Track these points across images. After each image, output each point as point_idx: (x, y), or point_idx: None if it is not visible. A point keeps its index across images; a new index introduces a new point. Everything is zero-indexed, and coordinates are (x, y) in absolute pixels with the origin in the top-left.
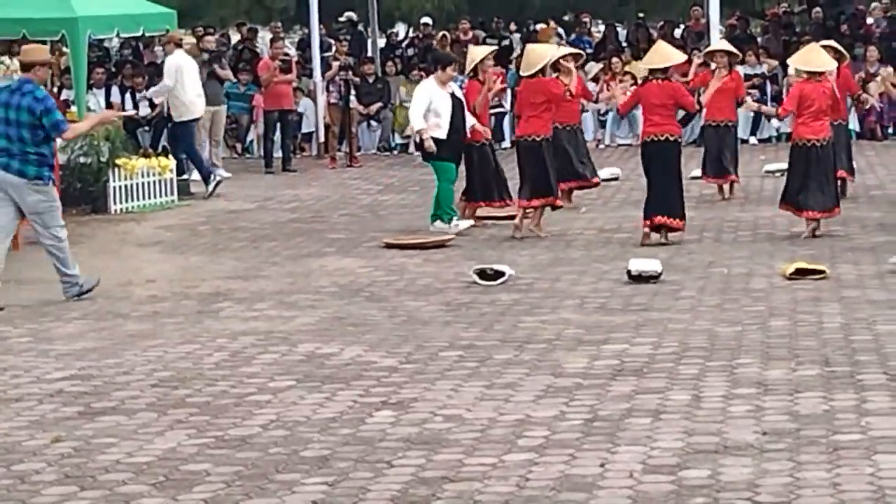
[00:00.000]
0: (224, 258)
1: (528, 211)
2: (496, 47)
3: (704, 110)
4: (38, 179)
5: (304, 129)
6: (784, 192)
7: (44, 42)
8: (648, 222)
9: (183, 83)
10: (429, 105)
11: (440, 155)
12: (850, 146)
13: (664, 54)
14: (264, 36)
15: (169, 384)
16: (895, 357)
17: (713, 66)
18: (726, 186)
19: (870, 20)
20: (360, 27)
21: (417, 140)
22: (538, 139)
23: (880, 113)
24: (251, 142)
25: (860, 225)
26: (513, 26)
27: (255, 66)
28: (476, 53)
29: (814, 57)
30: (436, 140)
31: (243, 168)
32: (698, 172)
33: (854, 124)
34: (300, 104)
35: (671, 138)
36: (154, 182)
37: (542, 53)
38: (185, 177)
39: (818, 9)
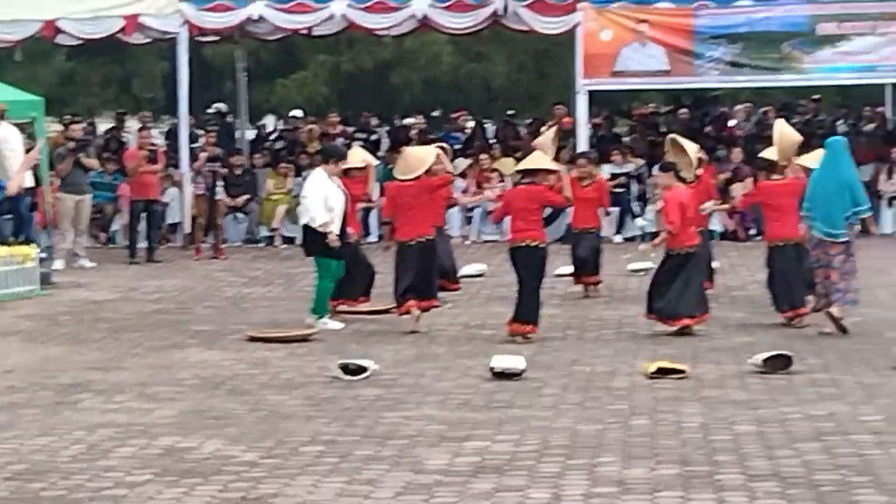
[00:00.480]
0: (85, 349)
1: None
2: (376, 163)
3: (571, 216)
4: None
5: (170, 220)
6: (653, 301)
7: None
8: (514, 326)
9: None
10: (325, 199)
11: (323, 251)
12: (709, 253)
13: (534, 159)
14: (132, 126)
15: (24, 477)
16: (754, 457)
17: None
18: (591, 287)
19: (733, 122)
20: (230, 118)
21: (311, 228)
22: (430, 239)
23: (742, 214)
24: (116, 231)
25: (722, 325)
26: (374, 121)
27: (121, 156)
28: (354, 159)
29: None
30: (323, 234)
31: (107, 258)
32: (563, 270)
33: (717, 225)
34: (166, 194)
35: (532, 244)
36: (15, 271)
37: (422, 158)
38: (45, 261)
39: (684, 110)
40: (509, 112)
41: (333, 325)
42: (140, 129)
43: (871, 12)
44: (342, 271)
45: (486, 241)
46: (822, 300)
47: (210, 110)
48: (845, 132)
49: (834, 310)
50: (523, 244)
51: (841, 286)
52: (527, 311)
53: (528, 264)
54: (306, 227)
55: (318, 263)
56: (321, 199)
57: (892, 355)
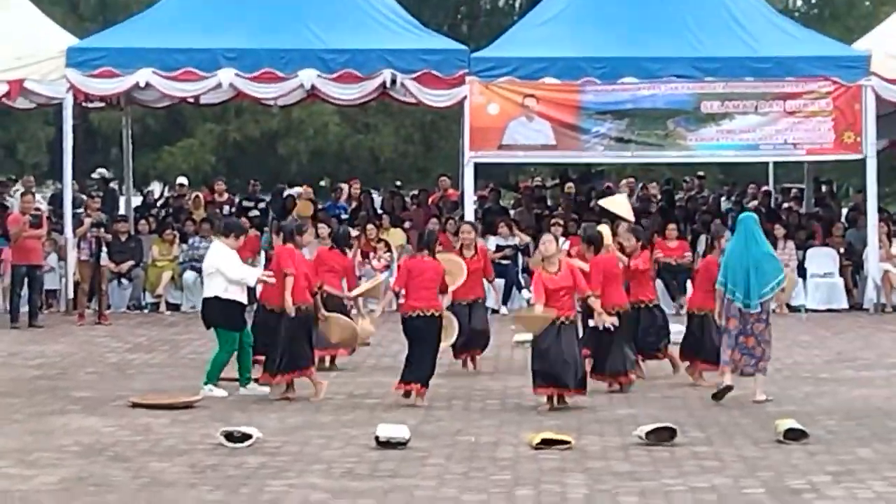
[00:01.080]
0: None
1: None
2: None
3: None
4: None
5: (49, 286)
6: (536, 374)
7: None
8: (403, 385)
9: None
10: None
11: (229, 323)
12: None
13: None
14: (16, 190)
15: None
16: None
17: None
18: (470, 361)
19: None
20: (114, 184)
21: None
22: (309, 307)
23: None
24: None
25: (606, 397)
26: (257, 187)
27: (4, 220)
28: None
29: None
30: (235, 304)
31: None
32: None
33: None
34: (48, 259)
35: (436, 314)
36: None
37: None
38: None
39: (570, 184)
40: (396, 183)
41: (218, 392)
42: (23, 194)
43: (754, 92)
44: (250, 340)
45: (372, 311)
46: (730, 366)
47: (94, 176)
48: (728, 209)
49: (760, 396)
50: (428, 313)
51: (757, 353)
52: (414, 374)
53: (427, 332)
54: (208, 300)
55: (218, 335)
56: (236, 262)
57: (774, 428)
